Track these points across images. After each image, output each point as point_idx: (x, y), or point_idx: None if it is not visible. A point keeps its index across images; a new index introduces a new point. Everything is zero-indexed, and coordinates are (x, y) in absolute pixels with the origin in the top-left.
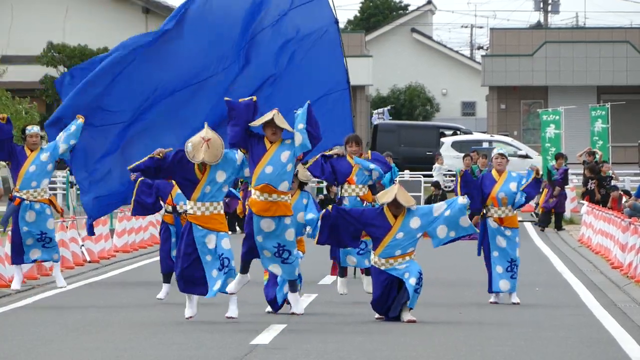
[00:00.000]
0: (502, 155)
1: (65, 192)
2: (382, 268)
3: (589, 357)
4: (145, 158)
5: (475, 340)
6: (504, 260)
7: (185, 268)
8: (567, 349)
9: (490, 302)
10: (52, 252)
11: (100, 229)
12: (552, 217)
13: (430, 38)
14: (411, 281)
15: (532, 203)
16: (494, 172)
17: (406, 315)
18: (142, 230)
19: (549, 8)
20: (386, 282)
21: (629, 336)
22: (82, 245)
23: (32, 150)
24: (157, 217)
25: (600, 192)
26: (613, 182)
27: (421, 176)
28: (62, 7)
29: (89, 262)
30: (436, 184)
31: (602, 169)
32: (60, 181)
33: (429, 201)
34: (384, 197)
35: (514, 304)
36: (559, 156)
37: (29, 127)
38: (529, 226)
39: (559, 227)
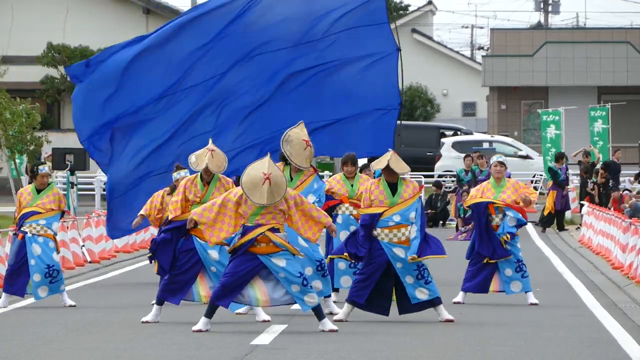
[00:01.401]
0: (501, 163)
1: (65, 192)
2: (379, 238)
3: (589, 357)
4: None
5: (476, 340)
6: (511, 263)
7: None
8: (567, 349)
9: (454, 302)
10: (59, 285)
11: (101, 229)
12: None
13: (430, 38)
14: (408, 279)
15: (535, 207)
16: (492, 180)
17: (443, 314)
18: (143, 231)
19: (550, 8)
20: (375, 257)
21: (629, 336)
22: (83, 246)
23: (38, 191)
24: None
25: (598, 190)
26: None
27: (422, 176)
28: (63, 7)
29: (90, 262)
30: (437, 184)
31: (601, 173)
32: (61, 181)
33: (429, 201)
34: (378, 164)
35: (531, 304)
36: (561, 156)
37: (40, 167)
38: (529, 227)
39: (561, 227)
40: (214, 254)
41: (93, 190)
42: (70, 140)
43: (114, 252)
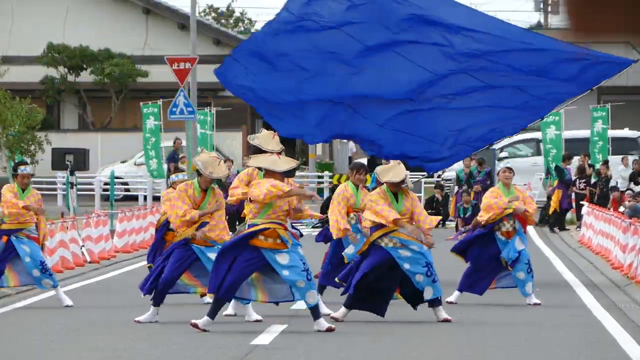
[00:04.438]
0: (509, 169)
1: (65, 192)
2: (382, 244)
3: (589, 357)
4: None
5: (476, 340)
6: (522, 264)
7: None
8: (567, 349)
9: (448, 302)
10: (53, 277)
11: (101, 229)
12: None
13: None
14: (417, 278)
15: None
16: (500, 186)
17: (440, 314)
18: (143, 230)
19: (549, 9)
20: (379, 261)
21: (629, 336)
22: (83, 246)
23: (23, 190)
24: (157, 217)
25: (599, 190)
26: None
27: (422, 177)
28: (63, 7)
29: (89, 262)
30: (439, 186)
31: (602, 170)
32: (60, 182)
33: (430, 202)
34: (387, 175)
35: (535, 304)
36: (568, 157)
37: (22, 167)
38: (529, 227)
39: (562, 227)
40: (213, 256)
41: (93, 190)
42: (70, 141)
43: (113, 252)
